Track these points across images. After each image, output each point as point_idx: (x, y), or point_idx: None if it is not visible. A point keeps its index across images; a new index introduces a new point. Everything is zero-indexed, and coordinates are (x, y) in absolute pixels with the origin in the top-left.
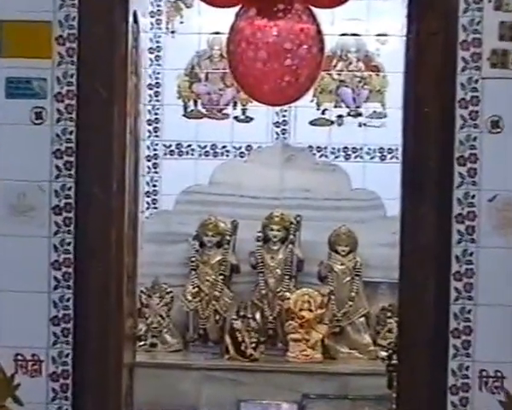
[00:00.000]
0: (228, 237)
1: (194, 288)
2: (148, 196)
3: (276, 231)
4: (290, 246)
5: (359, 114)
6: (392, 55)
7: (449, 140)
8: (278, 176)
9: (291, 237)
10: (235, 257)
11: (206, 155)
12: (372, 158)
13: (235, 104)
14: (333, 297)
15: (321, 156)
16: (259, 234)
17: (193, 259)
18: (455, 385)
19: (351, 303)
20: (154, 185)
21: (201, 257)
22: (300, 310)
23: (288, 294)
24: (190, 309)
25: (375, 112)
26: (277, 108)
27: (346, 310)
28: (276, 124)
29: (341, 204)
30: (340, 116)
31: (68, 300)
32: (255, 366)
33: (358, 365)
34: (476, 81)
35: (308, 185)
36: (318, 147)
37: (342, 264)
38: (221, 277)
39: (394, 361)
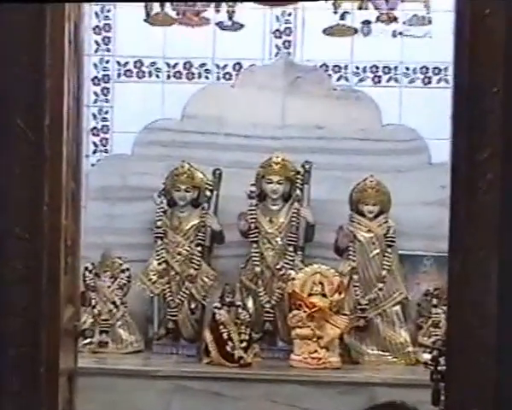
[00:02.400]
0: (208, 193)
1: (160, 264)
2: (96, 135)
3: (275, 184)
4: (296, 205)
5: (393, 20)
6: None
7: None
8: (279, 107)
9: (297, 192)
10: (218, 221)
11: (178, 78)
12: (411, 81)
13: (218, 5)
14: (356, 277)
15: (339, 79)
16: (252, 188)
17: (159, 223)
18: None
19: (381, 286)
20: (105, 119)
21: (171, 221)
22: (310, 295)
23: (292, 272)
24: (155, 294)
25: (415, 16)
26: (278, 10)
27: (375, 295)
28: (277, 33)
29: (368, 146)
30: (366, 22)
31: None
32: (246, 374)
33: (391, 372)
34: None
35: (321, 120)
36: (336, 66)
37: (369, 230)
38: (198, 248)
39: (442, 367)
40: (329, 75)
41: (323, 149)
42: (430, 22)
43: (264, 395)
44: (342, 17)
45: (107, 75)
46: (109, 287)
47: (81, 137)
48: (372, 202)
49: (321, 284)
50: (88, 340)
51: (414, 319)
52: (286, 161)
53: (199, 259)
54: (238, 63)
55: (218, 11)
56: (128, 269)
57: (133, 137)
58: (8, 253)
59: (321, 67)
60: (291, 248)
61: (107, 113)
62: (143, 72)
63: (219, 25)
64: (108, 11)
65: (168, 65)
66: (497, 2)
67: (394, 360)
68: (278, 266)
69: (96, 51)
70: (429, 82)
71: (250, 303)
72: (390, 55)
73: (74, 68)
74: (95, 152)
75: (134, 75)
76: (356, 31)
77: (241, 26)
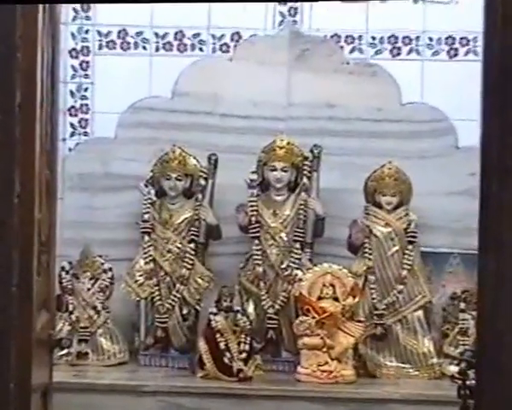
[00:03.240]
0: (202, 182)
1: (147, 263)
2: (74, 115)
3: (280, 172)
4: (303, 195)
5: None
6: None
7: None
8: (284, 83)
9: (304, 181)
10: (214, 213)
11: (168, 49)
12: (435, 53)
13: None
14: (372, 278)
15: (353, 51)
16: (253, 176)
17: (146, 216)
18: None
19: (401, 288)
20: (84, 98)
21: (159, 214)
22: (319, 299)
23: (299, 273)
24: (141, 297)
25: None
26: None
27: (394, 299)
28: None
29: (386, 128)
30: None
31: None
32: (246, 389)
33: (413, 386)
34: None
35: (332, 98)
36: (348, 36)
37: (387, 224)
38: (191, 245)
39: (471, 382)
40: (341, 47)
41: (335, 132)
42: None
43: None
44: None
45: (87, 47)
46: (89, 290)
47: (57, 118)
48: (391, 191)
49: (332, 286)
50: (65, 351)
51: (439, 326)
52: (292, 145)
53: (192, 257)
54: (237, 33)
55: None
56: (111, 269)
57: (117, 118)
58: None
59: (331, 37)
60: (297, 245)
61: (86, 90)
62: (128, 43)
63: None
64: None
65: (157, 35)
66: None
67: (416, 373)
68: (283, 266)
69: (73, 19)
70: (456, 54)
71: (251, 308)
72: (411, 24)
73: (49, 39)
74: (73, 135)
75: (117, 47)
76: None
77: None
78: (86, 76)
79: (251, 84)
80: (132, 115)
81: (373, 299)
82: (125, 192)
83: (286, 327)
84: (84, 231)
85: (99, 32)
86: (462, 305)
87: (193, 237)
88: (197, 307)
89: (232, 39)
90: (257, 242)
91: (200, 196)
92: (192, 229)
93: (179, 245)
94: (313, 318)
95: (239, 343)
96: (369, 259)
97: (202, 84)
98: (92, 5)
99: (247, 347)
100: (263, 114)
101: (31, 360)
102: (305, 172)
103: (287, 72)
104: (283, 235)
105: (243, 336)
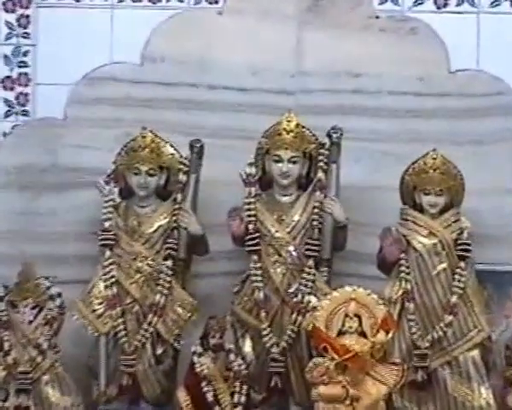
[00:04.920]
0: (182, 177)
1: (108, 287)
2: (10, 89)
3: (287, 164)
4: (318, 195)
5: None
6: None
7: None
8: (292, 44)
9: (320, 175)
10: (198, 220)
11: (136, 0)
12: (495, 4)
13: None
14: (411, 306)
15: (385, 1)
16: (251, 170)
17: (107, 224)
18: None
19: (450, 319)
20: (23, 65)
21: (125, 220)
22: (341, 334)
23: (312, 299)
24: (101, 333)
25: None
26: None
27: (441, 334)
28: None
29: (430, 104)
30: None
31: None
32: None
33: None
34: None
35: (357, 64)
36: None
37: (431, 234)
38: (168, 262)
39: None
40: None
41: (361, 110)
42: None
43: None
44: None
45: None
46: (31, 322)
47: None
48: (436, 189)
49: (357, 316)
50: None
51: (500, 371)
52: (302, 128)
53: (169, 279)
54: None
55: None
56: (59, 295)
57: (67, 92)
58: None
59: None
60: (310, 262)
61: (26, 54)
62: None
63: None
64: None
65: None
66: None
67: None
68: (291, 290)
69: None
70: None
71: (247, 347)
72: None
73: None
74: (8, 115)
75: None
76: None
77: None
78: (26, 36)
79: (248, 46)
80: (88, 88)
81: (412, 334)
82: (79, 191)
83: (295, 372)
84: (23, 244)
85: None
86: None
87: (170, 251)
88: (176, 346)
89: None
90: (256, 258)
91: (179, 196)
92: (169, 241)
93: (151, 262)
94: (332, 359)
95: (232, 394)
96: (407, 280)
97: (182, 47)
98: None
99: (242, 398)
100: (264, 86)
101: None
102: (320, 163)
103: (296, 29)
104: (291, 248)
105: (238, 383)
